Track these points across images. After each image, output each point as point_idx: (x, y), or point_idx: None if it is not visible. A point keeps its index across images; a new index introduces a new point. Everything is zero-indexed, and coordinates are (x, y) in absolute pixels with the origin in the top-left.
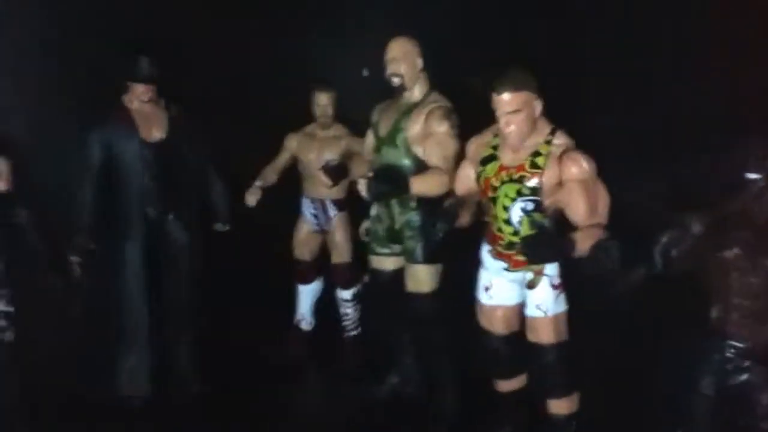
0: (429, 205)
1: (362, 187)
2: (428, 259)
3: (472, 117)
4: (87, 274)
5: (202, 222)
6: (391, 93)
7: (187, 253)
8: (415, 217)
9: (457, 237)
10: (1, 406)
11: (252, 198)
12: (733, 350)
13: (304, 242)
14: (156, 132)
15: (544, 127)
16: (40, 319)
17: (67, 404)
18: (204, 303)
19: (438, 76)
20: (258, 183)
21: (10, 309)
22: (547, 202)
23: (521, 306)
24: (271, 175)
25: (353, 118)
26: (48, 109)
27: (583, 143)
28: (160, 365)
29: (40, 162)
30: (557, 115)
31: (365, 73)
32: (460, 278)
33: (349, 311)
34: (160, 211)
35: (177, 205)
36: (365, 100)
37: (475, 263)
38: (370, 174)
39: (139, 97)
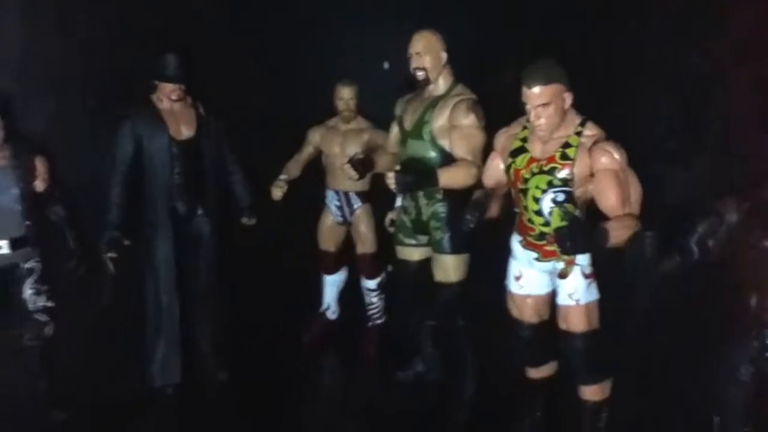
0: (457, 198)
1: (390, 181)
2: (456, 250)
3: (497, 109)
4: (119, 268)
5: (226, 215)
6: (412, 86)
7: (213, 246)
8: (441, 209)
9: (483, 226)
10: (37, 398)
11: (278, 191)
12: None
13: (328, 233)
14: (185, 130)
15: (574, 119)
16: (75, 313)
17: (100, 395)
18: (231, 293)
19: (461, 68)
20: (282, 177)
21: (51, 304)
22: (578, 192)
23: (551, 295)
24: (294, 168)
25: (374, 111)
26: (69, 107)
27: (615, 133)
28: (187, 354)
29: (64, 159)
30: (587, 104)
31: (386, 66)
32: (486, 266)
33: (374, 300)
34: (189, 207)
35: (205, 201)
36: (386, 93)
37: (501, 252)
38: (398, 167)
39: (168, 96)
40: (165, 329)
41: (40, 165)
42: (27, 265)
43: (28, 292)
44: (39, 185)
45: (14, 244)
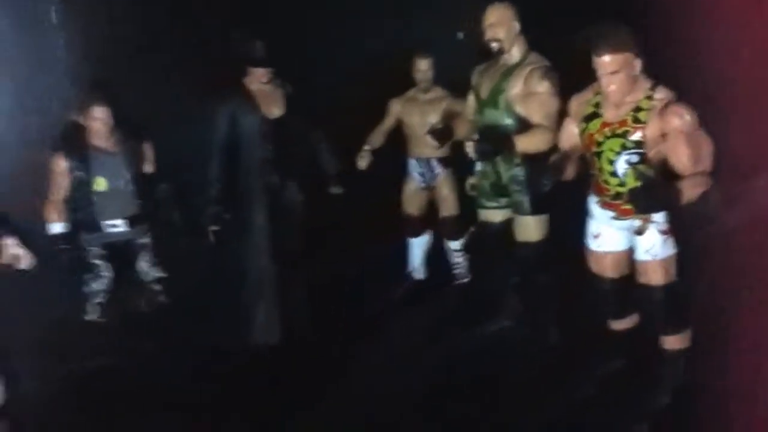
0: (535, 161)
1: (470, 149)
2: (536, 211)
3: (570, 76)
4: (221, 239)
5: (314, 184)
6: (488, 55)
7: (303, 214)
8: (520, 172)
9: (560, 187)
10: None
11: (363, 161)
12: None
13: (412, 199)
14: (274, 109)
15: (645, 83)
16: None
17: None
18: (318, 258)
19: (535, 37)
20: (367, 147)
21: (164, 275)
22: (651, 153)
23: (629, 251)
24: (378, 138)
25: (451, 80)
26: (161, 92)
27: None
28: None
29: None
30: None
31: (460, 36)
32: (565, 224)
33: (458, 260)
34: (281, 179)
35: (295, 174)
36: (461, 62)
37: (579, 210)
38: (476, 136)
39: (259, 79)
40: (265, 292)
41: (147, 149)
42: (141, 240)
43: (143, 264)
44: (149, 168)
45: (130, 222)
